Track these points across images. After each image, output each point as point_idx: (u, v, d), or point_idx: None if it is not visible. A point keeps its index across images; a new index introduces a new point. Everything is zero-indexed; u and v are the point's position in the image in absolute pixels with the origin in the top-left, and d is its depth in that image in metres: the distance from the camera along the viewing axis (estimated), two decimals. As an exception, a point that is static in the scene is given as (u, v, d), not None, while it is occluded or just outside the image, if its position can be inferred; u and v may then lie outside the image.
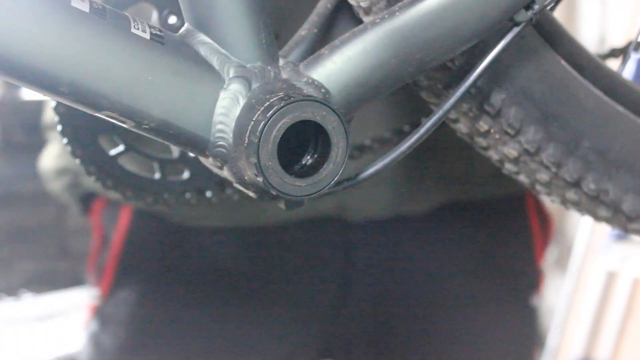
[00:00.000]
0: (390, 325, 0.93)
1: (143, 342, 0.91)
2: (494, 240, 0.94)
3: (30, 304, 2.07)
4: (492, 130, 0.55)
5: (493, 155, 0.59)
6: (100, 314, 0.93)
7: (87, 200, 0.94)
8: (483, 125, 0.55)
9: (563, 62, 0.56)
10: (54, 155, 0.94)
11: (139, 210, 0.90)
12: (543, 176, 0.58)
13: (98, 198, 0.94)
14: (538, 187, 0.60)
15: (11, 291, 2.15)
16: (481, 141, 0.58)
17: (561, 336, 2.58)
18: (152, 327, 0.91)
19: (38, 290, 2.17)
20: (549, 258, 2.74)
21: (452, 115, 0.57)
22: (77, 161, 0.64)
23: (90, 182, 0.88)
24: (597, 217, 0.62)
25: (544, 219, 0.97)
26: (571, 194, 0.59)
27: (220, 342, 0.90)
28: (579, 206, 0.60)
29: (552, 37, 0.57)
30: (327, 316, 0.91)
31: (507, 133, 0.55)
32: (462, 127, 0.58)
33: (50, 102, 0.77)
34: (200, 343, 0.90)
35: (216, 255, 0.90)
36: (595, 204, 0.59)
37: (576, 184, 0.58)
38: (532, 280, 0.97)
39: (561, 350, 2.58)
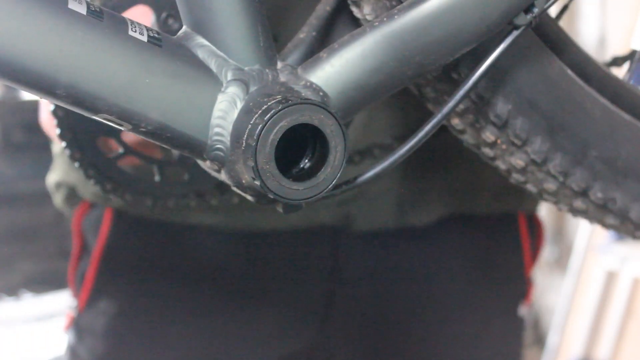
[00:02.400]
0: (377, 337, 0.91)
1: (121, 356, 0.87)
2: (488, 252, 0.94)
3: (30, 304, 2.07)
4: (498, 141, 0.55)
5: (500, 165, 0.58)
6: (77, 325, 0.90)
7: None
8: (490, 136, 0.55)
9: (569, 71, 0.56)
10: (52, 169, 0.91)
11: (119, 216, 0.86)
12: (550, 186, 0.57)
13: (81, 203, 0.89)
14: (545, 197, 0.60)
15: (11, 291, 2.14)
16: (488, 152, 0.57)
17: (561, 336, 2.58)
18: (130, 341, 0.87)
19: (38, 290, 2.17)
20: (549, 258, 2.75)
21: (459, 127, 0.57)
22: (76, 164, 0.64)
23: (86, 194, 0.85)
24: (605, 225, 0.62)
25: (535, 232, 0.98)
26: (579, 203, 0.59)
27: (201, 355, 0.87)
28: (586, 215, 0.60)
29: (557, 46, 0.56)
30: (311, 326, 0.89)
31: (513, 144, 0.55)
32: (469, 138, 0.58)
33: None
34: (182, 355, 0.87)
35: (202, 261, 0.87)
36: (602, 213, 0.59)
37: (584, 193, 0.57)
38: (520, 290, 0.98)
39: (561, 350, 2.58)
